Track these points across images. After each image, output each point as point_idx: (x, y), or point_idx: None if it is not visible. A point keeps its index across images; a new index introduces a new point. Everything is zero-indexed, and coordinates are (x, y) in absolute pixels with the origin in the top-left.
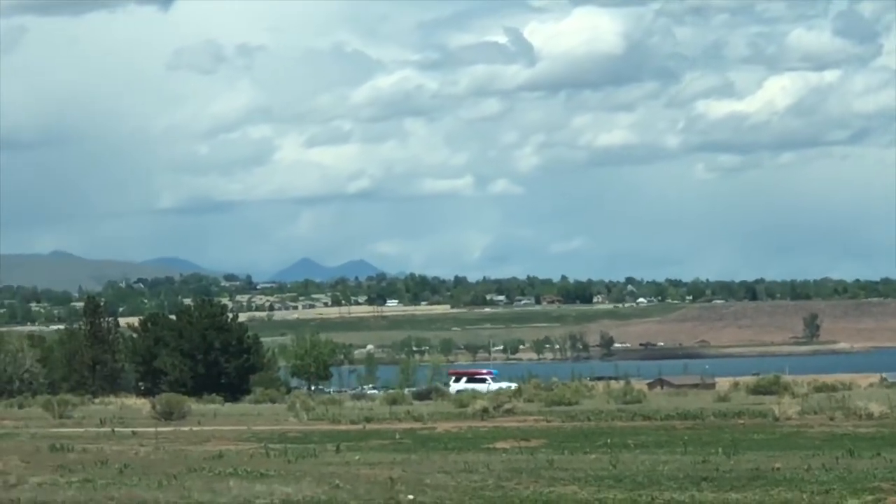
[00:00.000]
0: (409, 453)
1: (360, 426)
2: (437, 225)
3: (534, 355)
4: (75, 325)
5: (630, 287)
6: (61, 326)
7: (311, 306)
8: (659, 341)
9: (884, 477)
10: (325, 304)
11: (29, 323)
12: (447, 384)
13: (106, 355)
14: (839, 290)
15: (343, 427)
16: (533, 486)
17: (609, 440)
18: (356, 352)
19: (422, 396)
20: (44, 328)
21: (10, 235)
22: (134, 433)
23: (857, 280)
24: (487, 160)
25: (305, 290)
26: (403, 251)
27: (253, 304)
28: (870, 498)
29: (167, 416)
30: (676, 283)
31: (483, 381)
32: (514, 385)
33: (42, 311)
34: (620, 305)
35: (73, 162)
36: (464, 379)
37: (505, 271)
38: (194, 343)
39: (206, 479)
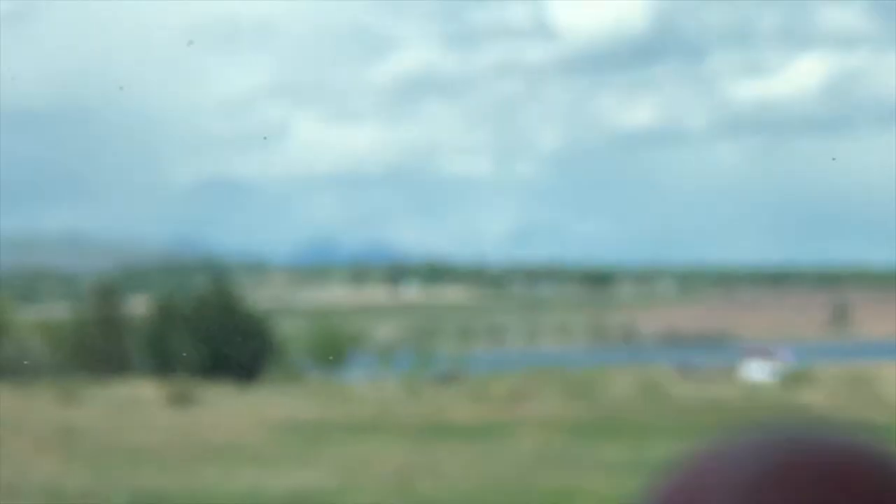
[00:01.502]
0: (425, 441)
1: (375, 413)
2: (456, 207)
3: (555, 342)
4: (85, 308)
5: (654, 272)
6: (71, 308)
7: (327, 289)
8: (684, 328)
9: None
10: (342, 287)
11: (38, 304)
12: (741, 363)
13: (116, 338)
14: (869, 276)
15: (358, 414)
16: (553, 476)
17: (632, 428)
18: (372, 336)
19: (440, 383)
20: (53, 310)
21: (20, 213)
22: (144, 419)
23: (888, 267)
24: (509, 141)
25: (321, 272)
26: (422, 234)
27: (267, 286)
28: None
29: (178, 401)
30: (702, 269)
31: (776, 358)
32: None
33: (51, 292)
34: (644, 291)
35: (83, 139)
36: (757, 357)
37: (526, 255)
38: (207, 326)
39: (217, 466)
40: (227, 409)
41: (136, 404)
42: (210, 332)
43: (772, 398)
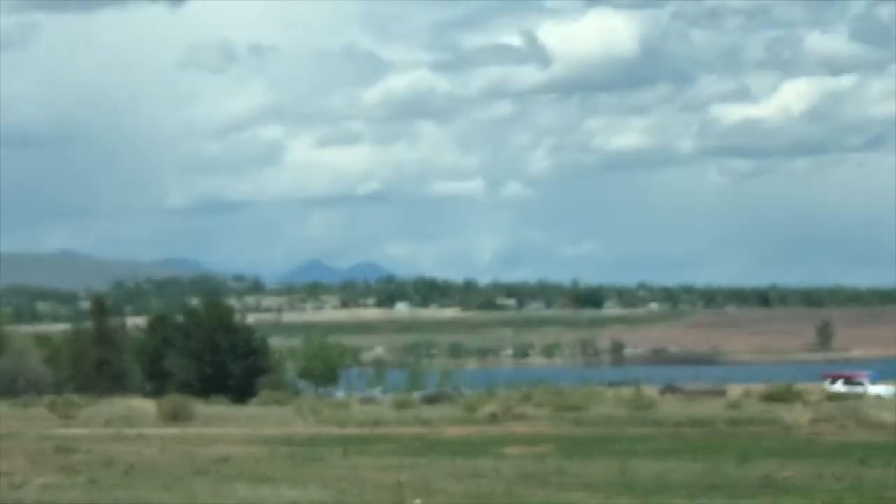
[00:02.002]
0: (417, 457)
1: (367, 430)
2: (447, 227)
3: (544, 360)
4: (81, 325)
5: (641, 292)
6: (67, 326)
7: (320, 308)
8: (670, 347)
9: (895, 487)
10: (334, 307)
11: (35, 322)
12: (826, 385)
13: (112, 355)
14: (853, 297)
15: (350, 430)
16: (542, 493)
17: (619, 447)
18: (365, 355)
19: (430, 400)
20: (50, 327)
21: (17, 233)
22: (140, 434)
23: (871, 287)
24: (499, 162)
25: (314, 291)
26: (413, 253)
27: (261, 306)
28: None
29: (173, 417)
30: (688, 289)
31: (860, 384)
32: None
33: (48, 310)
34: (632, 310)
35: (82, 160)
36: (840, 381)
37: (516, 275)
38: (201, 344)
39: (211, 482)
40: (221, 424)
41: (132, 420)
42: (204, 349)
43: (754, 414)
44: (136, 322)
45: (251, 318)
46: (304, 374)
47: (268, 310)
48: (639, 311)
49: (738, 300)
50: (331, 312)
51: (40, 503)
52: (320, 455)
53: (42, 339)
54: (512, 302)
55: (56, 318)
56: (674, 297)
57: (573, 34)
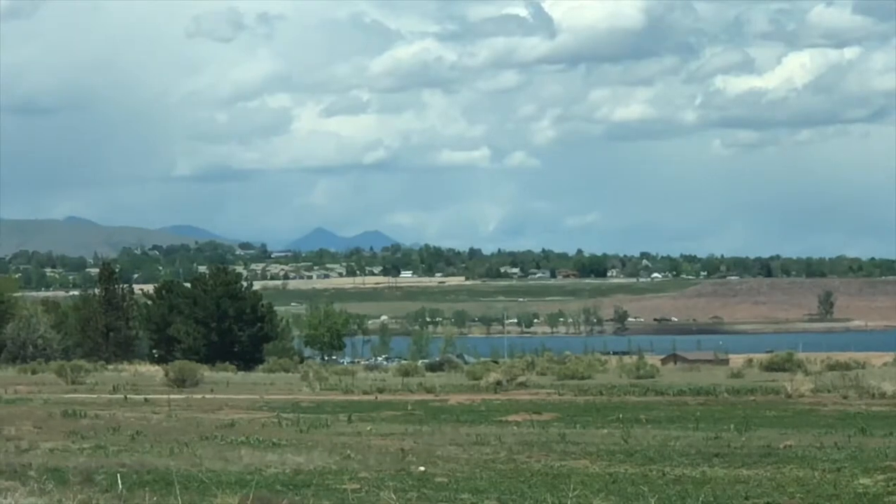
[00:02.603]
0: (420, 425)
1: (372, 397)
2: (452, 197)
3: (548, 329)
4: (90, 292)
5: (645, 262)
6: (76, 292)
7: (326, 276)
8: (673, 316)
9: (895, 456)
10: (340, 274)
11: (43, 288)
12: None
13: (120, 322)
14: (854, 267)
15: (355, 397)
16: (544, 460)
17: (621, 415)
18: (370, 322)
19: (434, 368)
20: (58, 294)
21: (26, 200)
22: (146, 400)
23: (873, 258)
24: (504, 133)
25: (320, 259)
26: (419, 222)
27: (267, 273)
28: (881, 477)
29: (180, 383)
30: (691, 259)
31: None
32: None
33: (57, 276)
34: (635, 280)
35: (90, 128)
36: None
37: (520, 244)
38: (208, 311)
39: (217, 448)
40: (227, 391)
41: (139, 386)
42: (211, 316)
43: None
44: (143, 289)
45: (257, 286)
46: (310, 341)
47: (274, 277)
48: (642, 280)
49: (741, 270)
50: (336, 280)
51: (47, 467)
52: (325, 422)
53: (50, 306)
54: (516, 271)
55: (64, 285)
56: (677, 267)
57: (579, 5)
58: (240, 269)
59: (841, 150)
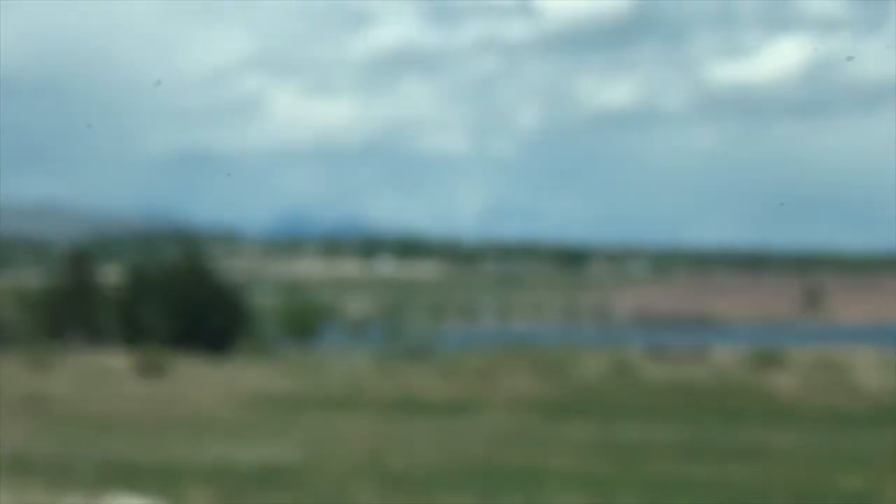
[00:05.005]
0: (395, 417)
1: (345, 388)
2: (432, 183)
3: (527, 320)
4: (58, 276)
5: (628, 253)
6: (43, 276)
7: (300, 262)
8: (657, 309)
9: (882, 453)
10: (315, 261)
11: (10, 273)
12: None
13: (88, 307)
14: (843, 261)
15: (329, 388)
16: (522, 455)
17: (602, 409)
18: (345, 310)
19: (411, 357)
20: (25, 278)
21: None
22: (114, 389)
23: (862, 251)
24: (486, 118)
25: (295, 245)
26: (397, 209)
27: (241, 258)
28: (867, 475)
29: (149, 371)
30: (676, 250)
31: None
32: None
33: (24, 260)
34: (618, 271)
35: (60, 108)
36: None
37: (501, 232)
38: (179, 297)
39: (187, 438)
40: (197, 380)
41: (107, 373)
42: (182, 303)
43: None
44: (113, 273)
45: (230, 272)
46: (283, 329)
47: (247, 263)
48: (625, 271)
49: (727, 262)
50: (311, 267)
51: (11, 457)
52: (297, 412)
53: (17, 290)
54: (496, 260)
55: (32, 268)
56: (661, 258)
57: None
58: (212, 254)
59: (831, 140)
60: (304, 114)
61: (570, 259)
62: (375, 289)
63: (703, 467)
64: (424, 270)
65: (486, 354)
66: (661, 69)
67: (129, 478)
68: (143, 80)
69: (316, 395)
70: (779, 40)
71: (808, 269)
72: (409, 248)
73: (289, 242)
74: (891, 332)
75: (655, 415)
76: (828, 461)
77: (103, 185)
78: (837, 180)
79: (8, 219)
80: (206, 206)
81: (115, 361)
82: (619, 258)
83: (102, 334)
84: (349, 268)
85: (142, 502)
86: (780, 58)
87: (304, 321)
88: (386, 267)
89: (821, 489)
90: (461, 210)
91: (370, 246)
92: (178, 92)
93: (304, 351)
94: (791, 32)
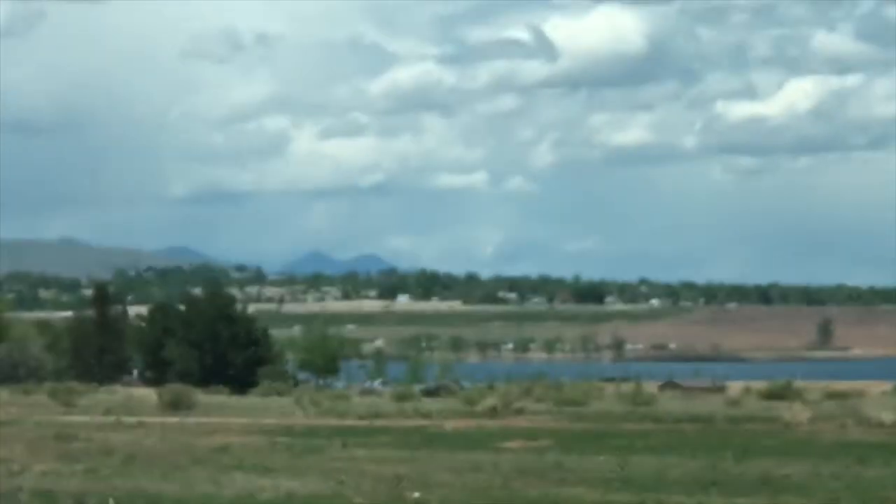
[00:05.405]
0: (416, 450)
1: (367, 422)
2: (450, 221)
3: (544, 355)
4: (83, 313)
5: (643, 288)
6: (69, 314)
7: (321, 299)
8: (671, 343)
9: (893, 486)
10: (336, 298)
11: (36, 309)
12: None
13: (113, 344)
14: (854, 295)
15: (350, 422)
16: (540, 487)
17: (618, 442)
18: (365, 347)
19: (430, 393)
20: (51, 315)
21: (19, 220)
22: (139, 423)
23: (872, 286)
24: (503, 156)
25: (316, 282)
26: (415, 246)
27: (262, 296)
28: None
29: (173, 406)
30: (690, 286)
31: None
32: None
33: (50, 297)
34: (633, 306)
35: (85, 148)
36: None
37: (517, 269)
38: (202, 334)
39: (210, 472)
40: (221, 414)
41: (132, 408)
42: (205, 339)
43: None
44: (137, 311)
45: (252, 309)
46: (305, 364)
47: (269, 300)
48: (640, 306)
49: (740, 297)
50: (332, 304)
51: (39, 491)
52: (319, 446)
53: (43, 327)
54: (513, 296)
55: (58, 306)
56: (675, 294)
57: (580, 29)
58: (234, 291)
59: (842, 177)
60: (324, 152)
61: (586, 294)
62: (395, 324)
63: (719, 498)
64: (443, 306)
65: (505, 388)
66: (676, 108)
67: None
68: (166, 120)
69: (337, 428)
70: (791, 80)
71: (820, 304)
72: (429, 284)
73: (310, 279)
74: None
75: (671, 447)
76: (842, 492)
77: (127, 223)
78: (847, 216)
79: (33, 256)
80: (228, 244)
81: (141, 396)
82: (634, 294)
83: (127, 370)
84: (369, 304)
85: None
86: (792, 97)
87: (326, 356)
88: (405, 303)
89: None
90: (478, 246)
91: (390, 282)
92: (201, 131)
93: (326, 386)
94: (803, 72)
